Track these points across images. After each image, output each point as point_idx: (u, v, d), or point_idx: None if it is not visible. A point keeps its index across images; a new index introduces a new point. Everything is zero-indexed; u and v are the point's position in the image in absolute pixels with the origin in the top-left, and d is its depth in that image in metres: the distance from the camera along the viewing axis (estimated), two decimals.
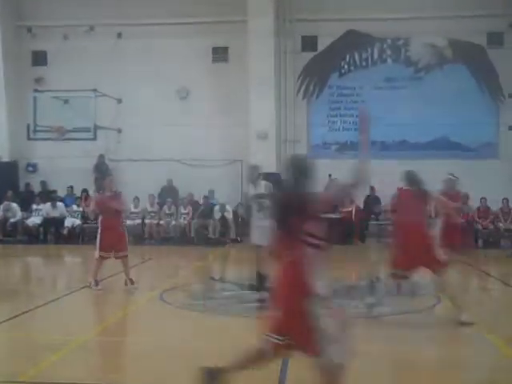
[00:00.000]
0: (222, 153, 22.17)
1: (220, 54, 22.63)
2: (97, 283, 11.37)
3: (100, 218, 11.76)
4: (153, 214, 20.73)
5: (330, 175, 21.32)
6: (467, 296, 11.49)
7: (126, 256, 11.54)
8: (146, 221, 20.56)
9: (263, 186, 11.54)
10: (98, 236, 11.62)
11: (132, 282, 11.46)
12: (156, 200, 21.35)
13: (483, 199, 19.69)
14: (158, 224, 20.61)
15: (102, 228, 11.64)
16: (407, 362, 7.05)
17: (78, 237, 20.23)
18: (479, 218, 19.60)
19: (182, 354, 7.34)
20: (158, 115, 22.16)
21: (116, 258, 11.54)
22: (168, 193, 21.77)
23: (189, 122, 21.95)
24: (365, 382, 6.44)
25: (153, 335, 8.42)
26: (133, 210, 20.13)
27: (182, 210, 20.79)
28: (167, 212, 20.78)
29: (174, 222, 20.62)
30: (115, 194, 11.76)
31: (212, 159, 22.01)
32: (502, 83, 21.72)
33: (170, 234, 20.64)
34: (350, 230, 20.09)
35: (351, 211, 20.06)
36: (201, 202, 21.02)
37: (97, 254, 11.47)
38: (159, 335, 8.33)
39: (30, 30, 23.05)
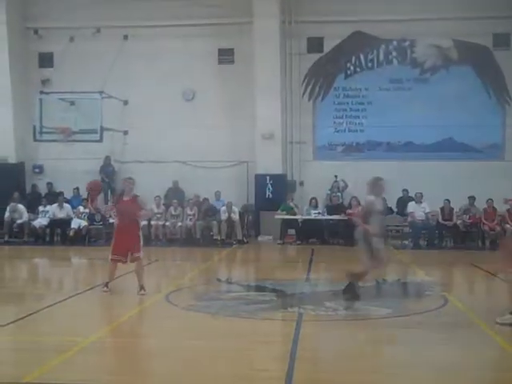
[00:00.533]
0: (228, 154, 22.21)
1: (226, 55, 22.64)
2: (106, 285, 11.34)
3: (116, 222, 11.52)
4: (159, 216, 20.71)
5: (335, 176, 21.42)
6: (473, 296, 11.49)
7: (140, 258, 11.35)
8: (152, 222, 20.53)
9: (382, 201, 11.17)
10: (113, 239, 11.42)
11: (143, 289, 11.15)
12: (162, 201, 21.36)
13: (490, 200, 19.65)
14: (163, 225, 20.62)
15: (117, 231, 11.37)
16: (411, 363, 7.04)
17: (84, 238, 20.24)
18: (486, 220, 19.56)
19: (189, 356, 7.34)
20: (164, 117, 22.21)
21: (131, 261, 11.28)
22: (174, 194, 21.80)
23: (195, 124, 21.99)
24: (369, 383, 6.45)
25: (159, 336, 8.42)
26: None
27: (188, 212, 20.81)
28: (173, 213, 20.79)
29: (179, 224, 20.63)
30: (134, 197, 11.58)
31: (218, 160, 22.05)
32: (508, 84, 21.71)
33: (175, 236, 20.66)
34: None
35: (358, 213, 20.01)
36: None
37: (110, 256, 11.30)
38: (165, 336, 8.33)
39: (36, 31, 23.14)
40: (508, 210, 19.53)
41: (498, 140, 21.87)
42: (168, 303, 10.41)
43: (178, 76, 22.20)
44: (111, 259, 11.30)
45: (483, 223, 19.55)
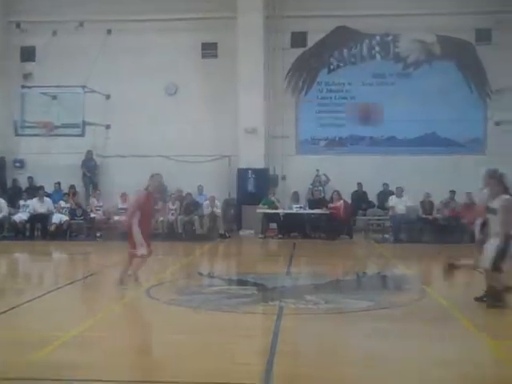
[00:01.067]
0: (211, 148, 22.20)
1: (209, 49, 22.62)
2: (136, 278, 11.20)
3: (140, 218, 11.12)
4: None
5: (317, 170, 21.48)
6: (452, 289, 11.55)
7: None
8: None
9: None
10: (141, 234, 11.06)
11: (123, 283, 11.09)
12: None
13: (469, 194, 19.74)
14: None
15: (147, 229, 11.29)
16: (392, 356, 7.08)
17: (65, 233, 20.13)
18: (465, 213, 19.65)
19: (170, 350, 7.34)
20: (147, 111, 22.17)
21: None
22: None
23: (177, 118, 21.97)
24: (351, 379, 6.46)
25: (140, 331, 8.41)
26: (120, 206, 20.07)
27: (170, 206, 20.77)
28: (155, 208, 20.69)
29: (161, 218, 20.57)
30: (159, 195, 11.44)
31: (201, 155, 22.04)
32: (489, 79, 21.85)
33: (157, 230, 20.56)
34: (338, 225, 20.14)
35: (339, 207, 20.09)
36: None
37: (143, 251, 11.05)
38: (146, 331, 8.33)
39: (18, 25, 22.99)
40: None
41: (479, 134, 22.03)
42: (149, 297, 10.39)
43: (161, 70, 22.15)
44: (143, 254, 11.09)
45: (463, 217, 19.64)
